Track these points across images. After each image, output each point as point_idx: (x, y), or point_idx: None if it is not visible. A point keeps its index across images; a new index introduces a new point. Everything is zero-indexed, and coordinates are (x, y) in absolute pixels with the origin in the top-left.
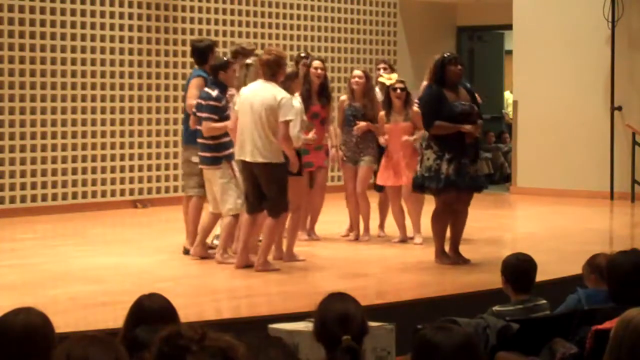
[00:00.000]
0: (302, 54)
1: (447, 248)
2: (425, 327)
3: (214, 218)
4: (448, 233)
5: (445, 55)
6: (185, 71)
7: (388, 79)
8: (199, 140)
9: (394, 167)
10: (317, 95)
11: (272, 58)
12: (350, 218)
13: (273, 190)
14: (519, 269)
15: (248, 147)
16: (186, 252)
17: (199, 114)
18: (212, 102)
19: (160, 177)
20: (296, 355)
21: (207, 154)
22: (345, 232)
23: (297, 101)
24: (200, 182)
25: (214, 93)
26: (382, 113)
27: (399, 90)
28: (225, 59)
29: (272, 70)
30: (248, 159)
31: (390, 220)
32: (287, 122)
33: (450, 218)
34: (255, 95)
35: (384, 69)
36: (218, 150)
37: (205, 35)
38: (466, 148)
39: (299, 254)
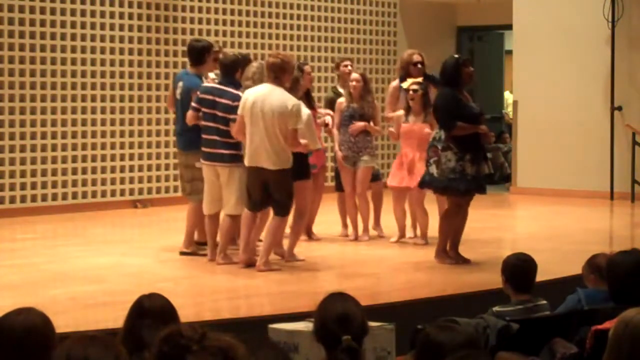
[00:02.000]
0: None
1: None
2: (428, 327)
3: (214, 219)
4: None
5: (458, 57)
6: None
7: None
8: (218, 139)
9: (409, 167)
10: (305, 99)
11: (277, 62)
12: (346, 219)
13: (282, 194)
14: (519, 268)
15: (262, 155)
16: (182, 253)
17: (232, 115)
18: (239, 103)
19: (160, 177)
20: (286, 354)
21: (226, 152)
22: (343, 232)
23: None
24: (201, 188)
25: (240, 93)
26: (400, 112)
27: (411, 92)
28: (231, 55)
29: (275, 73)
30: (263, 165)
31: (388, 219)
32: (296, 130)
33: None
34: (264, 101)
35: (350, 65)
36: (239, 149)
37: (205, 35)
38: (481, 149)
39: (299, 254)
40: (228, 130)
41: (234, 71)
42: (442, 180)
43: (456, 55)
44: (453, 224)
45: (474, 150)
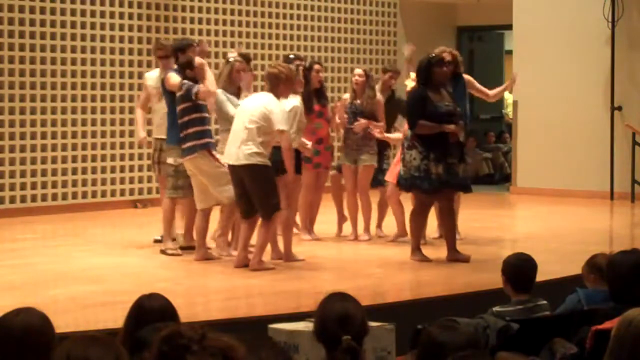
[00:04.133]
0: (291, 56)
1: (443, 247)
2: (430, 327)
3: (204, 216)
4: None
5: (432, 56)
6: None
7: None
8: (182, 134)
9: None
10: (315, 95)
11: (274, 72)
12: (349, 217)
13: (258, 192)
14: (519, 268)
15: (233, 150)
16: (182, 248)
17: (182, 105)
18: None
19: None
20: (287, 354)
21: (184, 144)
22: (338, 231)
23: (290, 103)
24: (175, 184)
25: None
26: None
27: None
28: (190, 55)
29: (272, 83)
30: (232, 162)
31: (388, 220)
32: (282, 131)
33: (440, 219)
34: (251, 102)
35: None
36: (192, 139)
37: (206, 36)
38: (450, 148)
39: (298, 254)
40: (183, 122)
41: (182, 70)
42: (407, 178)
43: (432, 55)
44: (420, 222)
45: (439, 149)
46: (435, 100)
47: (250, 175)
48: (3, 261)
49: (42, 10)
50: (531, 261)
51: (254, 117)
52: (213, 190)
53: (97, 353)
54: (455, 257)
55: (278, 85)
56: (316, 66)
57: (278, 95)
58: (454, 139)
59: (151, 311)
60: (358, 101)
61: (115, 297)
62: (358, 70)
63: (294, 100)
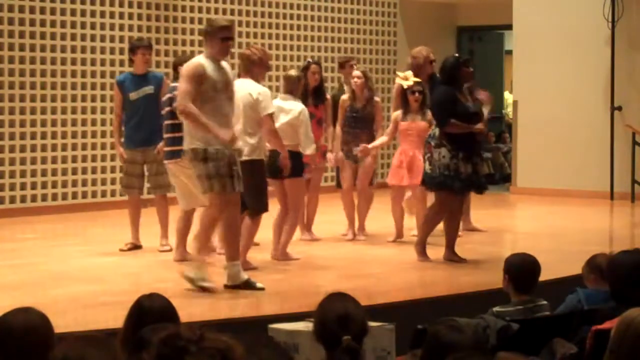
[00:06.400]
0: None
1: (443, 248)
2: (436, 327)
3: (187, 217)
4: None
5: (459, 56)
6: None
7: (404, 78)
8: (166, 135)
9: (409, 165)
10: (312, 96)
11: (246, 54)
12: (346, 217)
13: (252, 188)
14: (523, 269)
15: None
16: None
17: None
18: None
19: None
20: (288, 354)
21: (168, 148)
22: (346, 231)
23: (298, 107)
24: (128, 183)
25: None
26: (397, 113)
27: (417, 94)
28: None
29: (245, 65)
30: None
31: (388, 218)
32: (270, 116)
33: (446, 217)
34: (237, 94)
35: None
36: (179, 144)
37: None
38: (477, 147)
39: (296, 253)
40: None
41: (175, 69)
42: (436, 176)
43: (457, 55)
44: (437, 221)
45: (467, 149)
46: (463, 100)
47: (245, 170)
48: (3, 261)
49: (42, 10)
50: (536, 262)
51: (244, 109)
52: (179, 194)
53: (94, 354)
54: (452, 257)
55: (252, 68)
56: (312, 67)
57: (253, 78)
58: (480, 137)
59: (151, 311)
60: (358, 104)
61: (115, 297)
62: (357, 72)
63: (300, 105)
